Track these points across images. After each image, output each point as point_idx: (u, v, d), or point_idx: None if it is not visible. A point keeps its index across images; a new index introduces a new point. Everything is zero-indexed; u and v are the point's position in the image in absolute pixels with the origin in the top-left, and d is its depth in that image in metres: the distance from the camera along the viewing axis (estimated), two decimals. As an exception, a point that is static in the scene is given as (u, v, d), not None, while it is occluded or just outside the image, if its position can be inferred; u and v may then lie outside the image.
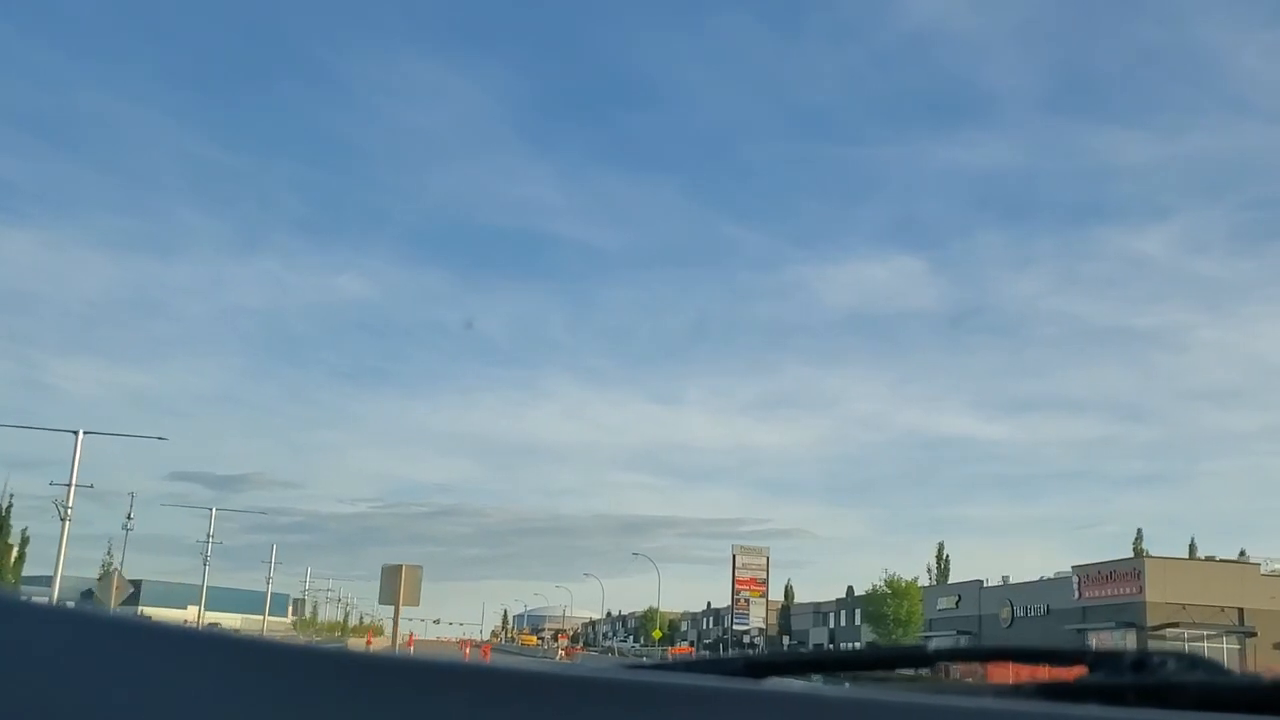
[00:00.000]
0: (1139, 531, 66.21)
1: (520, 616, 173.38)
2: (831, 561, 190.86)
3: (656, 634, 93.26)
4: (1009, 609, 59.28)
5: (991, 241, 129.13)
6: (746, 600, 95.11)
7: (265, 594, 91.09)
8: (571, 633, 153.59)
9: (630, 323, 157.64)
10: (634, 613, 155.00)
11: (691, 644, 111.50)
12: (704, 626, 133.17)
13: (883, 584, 72.32)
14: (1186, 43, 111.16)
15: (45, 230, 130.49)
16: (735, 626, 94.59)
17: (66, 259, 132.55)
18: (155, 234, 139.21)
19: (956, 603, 65.12)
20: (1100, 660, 1.22)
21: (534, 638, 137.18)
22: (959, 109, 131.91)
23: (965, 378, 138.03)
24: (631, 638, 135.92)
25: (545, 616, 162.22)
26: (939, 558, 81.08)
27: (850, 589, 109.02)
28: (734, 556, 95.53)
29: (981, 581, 63.46)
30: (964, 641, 61.45)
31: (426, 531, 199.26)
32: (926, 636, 66.48)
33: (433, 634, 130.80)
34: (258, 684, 0.74)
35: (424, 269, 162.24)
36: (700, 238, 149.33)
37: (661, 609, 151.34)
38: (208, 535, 67.91)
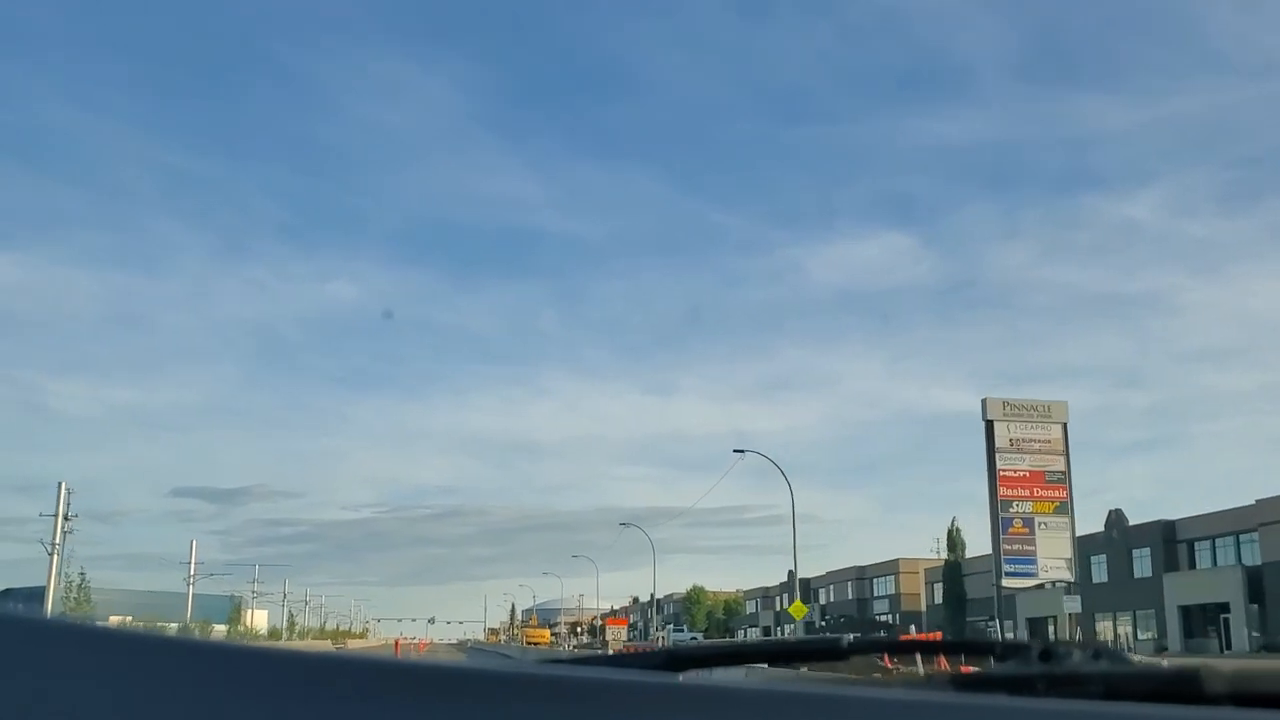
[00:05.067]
0: None
1: (529, 610, 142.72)
2: (839, 545, 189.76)
3: (799, 609, 41.22)
4: None
5: (979, 214, 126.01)
6: (1026, 523, 42.40)
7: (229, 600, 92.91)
8: (588, 624, 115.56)
9: (622, 314, 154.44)
10: (671, 595, 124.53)
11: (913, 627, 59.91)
12: (779, 606, 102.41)
13: None
14: (1160, 3, 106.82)
15: (22, 251, 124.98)
16: (1006, 581, 41.85)
17: (47, 278, 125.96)
18: (135, 248, 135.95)
19: None
20: (1009, 650, 1.25)
21: (545, 632, 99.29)
22: (937, 82, 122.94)
23: (960, 351, 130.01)
24: (670, 626, 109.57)
25: (559, 610, 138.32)
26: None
27: (1117, 513, 61.16)
28: (989, 426, 42.66)
29: None
30: None
31: (431, 534, 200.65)
32: None
33: (429, 634, 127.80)
34: (227, 690, 0.72)
35: (411, 270, 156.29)
36: (685, 225, 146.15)
37: (707, 588, 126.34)
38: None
